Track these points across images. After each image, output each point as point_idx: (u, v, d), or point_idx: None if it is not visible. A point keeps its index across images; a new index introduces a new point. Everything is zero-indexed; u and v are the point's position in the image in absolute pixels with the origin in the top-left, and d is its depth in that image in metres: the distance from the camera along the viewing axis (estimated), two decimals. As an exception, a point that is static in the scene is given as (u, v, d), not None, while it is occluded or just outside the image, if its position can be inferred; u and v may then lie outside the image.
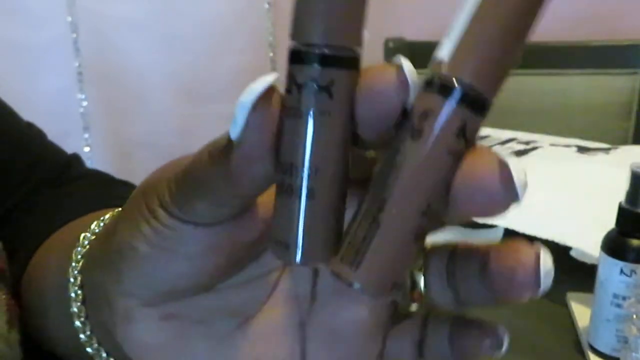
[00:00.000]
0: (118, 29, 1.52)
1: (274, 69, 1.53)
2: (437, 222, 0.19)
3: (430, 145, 0.18)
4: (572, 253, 0.61)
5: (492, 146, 0.82)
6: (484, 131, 0.90)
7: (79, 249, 0.29)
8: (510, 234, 0.67)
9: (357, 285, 0.19)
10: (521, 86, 1.16)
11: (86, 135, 1.58)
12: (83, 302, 0.28)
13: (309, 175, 0.19)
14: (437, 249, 0.22)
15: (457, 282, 0.21)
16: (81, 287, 0.28)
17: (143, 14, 1.51)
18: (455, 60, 0.18)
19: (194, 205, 0.22)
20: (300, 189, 0.19)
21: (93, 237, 0.29)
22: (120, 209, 0.27)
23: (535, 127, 0.94)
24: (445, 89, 0.18)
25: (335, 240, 0.20)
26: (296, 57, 0.19)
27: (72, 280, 0.28)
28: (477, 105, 0.18)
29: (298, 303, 0.25)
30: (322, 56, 0.19)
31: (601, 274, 0.51)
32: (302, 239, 0.19)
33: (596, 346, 0.52)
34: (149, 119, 1.58)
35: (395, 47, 1.15)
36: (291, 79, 0.20)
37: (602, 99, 1.14)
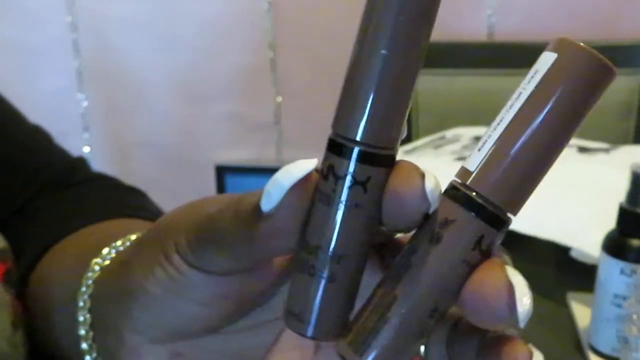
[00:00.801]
0: (118, 28, 1.52)
1: (273, 69, 1.53)
2: (441, 320, 0.20)
3: (447, 253, 0.19)
4: (572, 253, 0.61)
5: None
6: (484, 131, 0.90)
7: (90, 273, 0.29)
8: (510, 234, 0.67)
9: None
10: (521, 86, 1.17)
11: (86, 135, 1.58)
12: (91, 326, 0.28)
13: (331, 260, 0.20)
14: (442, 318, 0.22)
15: (456, 354, 0.21)
16: (89, 311, 0.28)
17: (143, 14, 1.51)
18: (481, 174, 0.19)
19: (211, 257, 0.22)
20: (322, 272, 0.20)
21: (104, 262, 0.29)
22: (134, 236, 0.29)
23: (535, 127, 0.94)
24: (468, 202, 0.19)
25: (347, 319, 0.21)
26: (337, 149, 0.20)
27: (81, 304, 0.29)
28: (497, 221, 0.19)
29: (302, 351, 0.26)
30: (363, 154, 0.19)
31: (601, 274, 0.51)
32: (317, 317, 0.20)
33: (596, 346, 0.52)
34: (148, 119, 1.58)
35: (395, 47, 1.15)
36: (329, 167, 0.20)
37: (602, 98, 1.14)
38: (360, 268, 0.21)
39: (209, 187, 1.58)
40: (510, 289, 0.19)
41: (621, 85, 1.13)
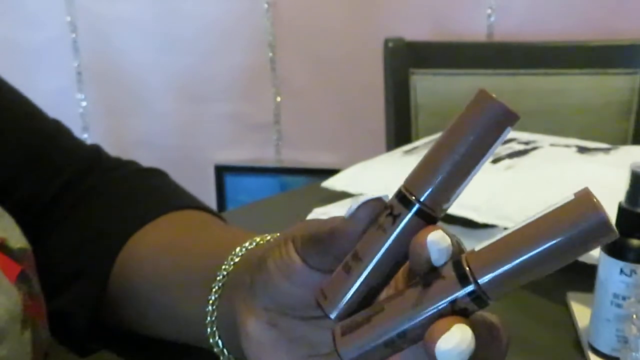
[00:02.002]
0: (117, 29, 1.52)
1: (273, 69, 1.53)
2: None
3: (428, 300, 0.26)
4: (572, 253, 0.61)
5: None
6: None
7: (225, 265, 0.38)
8: (510, 234, 0.67)
9: (339, 354, 0.28)
10: (521, 86, 1.17)
11: (85, 135, 1.58)
12: (217, 300, 0.38)
13: (366, 270, 0.28)
14: None
15: None
16: (219, 297, 0.38)
17: (143, 14, 1.51)
18: (485, 264, 0.25)
19: (310, 251, 0.31)
20: (357, 277, 0.28)
21: (237, 259, 0.38)
22: (258, 238, 0.39)
23: (535, 127, 0.94)
24: (465, 280, 0.25)
25: (352, 305, 0.29)
26: (403, 198, 0.27)
27: (215, 288, 0.38)
28: (481, 302, 0.25)
29: None
30: (418, 209, 0.27)
31: (601, 274, 0.51)
32: (343, 305, 0.28)
33: (596, 346, 0.52)
34: (148, 119, 1.58)
35: (394, 47, 1.15)
36: (390, 207, 0.27)
37: (602, 99, 1.14)
38: (372, 274, 0.28)
39: (209, 186, 1.58)
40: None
41: (621, 85, 1.13)
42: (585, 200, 0.24)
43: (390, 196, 0.28)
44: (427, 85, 1.17)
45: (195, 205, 0.50)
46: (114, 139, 1.58)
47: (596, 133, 1.04)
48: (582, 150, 0.80)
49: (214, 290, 0.38)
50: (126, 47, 1.53)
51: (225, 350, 0.38)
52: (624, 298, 0.49)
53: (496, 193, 0.67)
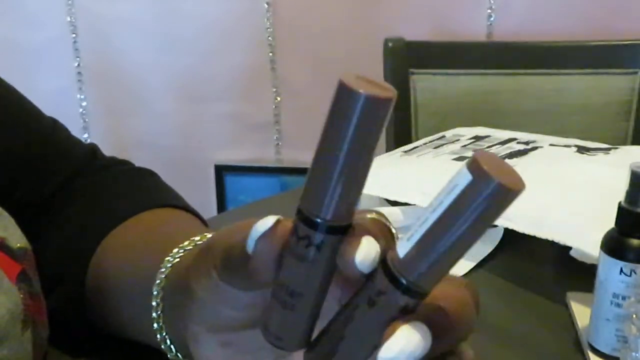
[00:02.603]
0: (117, 29, 1.52)
1: (273, 69, 1.53)
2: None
3: (378, 316, 0.25)
4: (572, 253, 0.61)
5: (492, 146, 0.82)
6: (485, 131, 0.90)
7: (163, 269, 0.36)
8: (510, 234, 0.67)
9: None
10: (521, 86, 1.17)
11: (85, 135, 1.58)
12: (162, 310, 0.36)
13: (294, 296, 0.26)
14: None
15: None
16: (161, 299, 0.36)
17: (143, 14, 1.51)
18: (409, 261, 0.24)
19: (231, 280, 0.29)
20: (305, 312, 0.27)
21: (175, 260, 0.36)
22: (197, 238, 0.37)
23: (535, 127, 0.94)
24: (395, 281, 0.24)
25: (308, 337, 0.28)
26: (305, 220, 0.25)
27: (155, 292, 0.36)
28: (418, 295, 0.25)
29: None
30: (328, 227, 0.25)
31: (601, 273, 0.51)
32: (302, 340, 0.27)
33: (596, 346, 0.52)
34: (148, 119, 1.58)
35: (394, 47, 1.15)
36: (295, 228, 0.26)
37: (602, 99, 1.14)
38: (317, 303, 0.27)
39: (209, 186, 1.58)
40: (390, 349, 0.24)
41: (621, 85, 1.13)
42: (476, 171, 0.22)
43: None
44: (427, 85, 1.17)
45: (173, 203, 0.48)
46: (114, 139, 1.58)
47: (596, 133, 1.04)
48: (582, 150, 0.80)
49: (154, 295, 0.36)
50: (126, 47, 1.53)
51: (179, 355, 0.36)
52: (623, 298, 0.49)
53: (496, 193, 0.67)
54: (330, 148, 0.24)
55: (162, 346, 0.37)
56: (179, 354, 0.37)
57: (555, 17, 1.42)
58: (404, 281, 0.24)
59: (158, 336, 0.36)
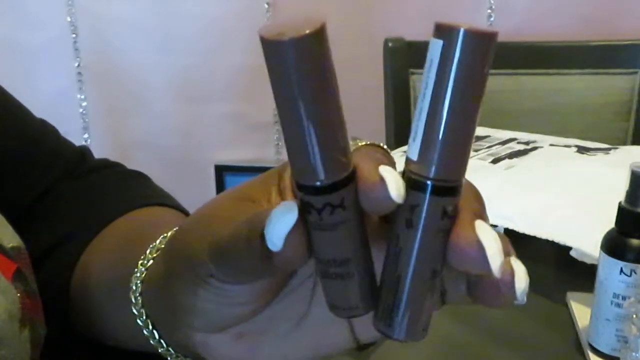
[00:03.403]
0: (117, 29, 1.52)
1: (273, 69, 1.53)
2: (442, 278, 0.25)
3: (421, 232, 0.23)
4: (572, 253, 0.61)
5: (492, 146, 0.82)
6: (485, 131, 0.90)
7: (137, 274, 0.34)
8: (510, 234, 0.67)
9: (397, 339, 0.25)
10: (521, 86, 1.16)
11: (85, 135, 1.58)
12: (147, 316, 0.33)
13: (344, 263, 0.24)
14: None
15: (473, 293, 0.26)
16: (142, 305, 0.33)
17: (143, 14, 1.51)
18: (422, 159, 0.22)
19: (237, 278, 0.27)
20: (344, 274, 0.25)
21: (149, 263, 0.34)
22: (169, 233, 0.34)
23: (535, 127, 0.94)
24: (420, 187, 0.22)
25: (370, 293, 0.25)
26: (309, 190, 0.23)
27: (133, 300, 0.33)
28: (450, 191, 0.23)
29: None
30: (331, 185, 0.23)
31: (601, 273, 0.51)
32: (356, 303, 0.25)
33: (596, 346, 0.52)
34: (148, 119, 1.58)
35: (395, 47, 1.15)
36: (307, 205, 0.23)
37: (602, 99, 1.14)
38: (366, 258, 0.25)
39: (209, 187, 1.58)
40: (479, 241, 0.23)
41: (621, 85, 1.13)
42: (443, 32, 0.21)
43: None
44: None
45: (160, 202, 0.46)
46: (114, 139, 1.58)
47: (596, 133, 1.04)
48: (582, 150, 0.80)
49: (133, 302, 0.34)
50: (126, 47, 1.53)
51: (170, 350, 0.34)
52: (624, 298, 0.49)
53: (496, 193, 0.67)
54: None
55: (152, 341, 0.34)
56: (170, 349, 0.34)
57: (556, 17, 1.42)
58: (428, 182, 0.22)
59: (145, 332, 0.34)
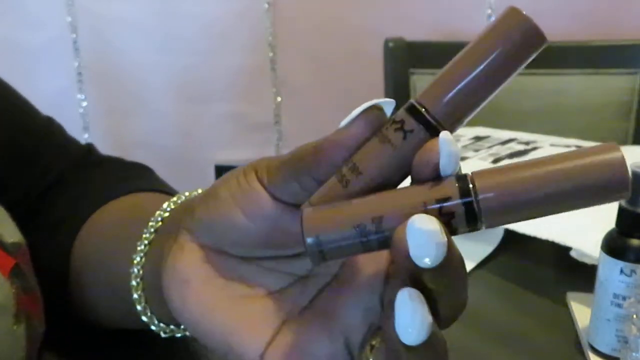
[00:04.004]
0: (117, 29, 1.52)
1: (273, 69, 1.53)
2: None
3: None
4: (572, 253, 0.61)
5: (492, 146, 0.82)
6: (485, 131, 0.90)
7: (152, 222, 0.36)
8: (510, 234, 0.67)
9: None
10: (521, 86, 1.16)
11: (85, 136, 1.58)
12: (142, 267, 0.35)
13: (356, 173, 0.26)
14: None
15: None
16: (146, 254, 0.35)
17: (143, 14, 1.51)
18: (491, 183, 0.24)
19: (283, 177, 0.27)
20: (345, 181, 0.26)
21: (165, 214, 0.36)
22: (187, 193, 0.36)
23: (535, 127, 0.94)
24: (465, 192, 0.24)
25: None
26: (415, 113, 0.25)
27: (141, 247, 0.35)
28: (472, 221, 0.24)
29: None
30: (417, 111, 0.25)
31: (601, 274, 0.51)
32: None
33: (596, 346, 0.52)
34: (148, 119, 1.58)
35: (395, 47, 1.15)
36: (402, 121, 0.25)
37: (602, 99, 1.14)
38: (369, 189, 0.26)
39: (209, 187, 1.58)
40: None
41: (621, 85, 1.13)
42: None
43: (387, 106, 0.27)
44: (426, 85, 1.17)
45: (158, 188, 0.47)
46: (114, 139, 1.58)
47: (596, 133, 1.04)
48: (582, 150, 0.80)
49: (139, 249, 0.35)
50: (126, 47, 1.53)
51: (154, 318, 0.35)
52: (624, 298, 0.49)
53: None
54: (477, 57, 0.24)
55: (143, 318, 0.35)
56: (161, 324, 0.35)
57: (555, 17, 1.42)
58: (470, 198, 0.24)
59: (139, 307, 0.35)
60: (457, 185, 0.24)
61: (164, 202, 0.37)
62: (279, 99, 1.56)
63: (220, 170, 1.58)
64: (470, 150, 0.79)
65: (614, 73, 1.13)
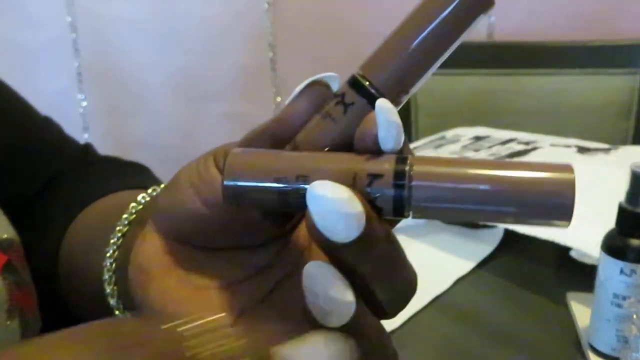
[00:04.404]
0: (117, 29, 1.52)
1: (273, 69, 1.53)
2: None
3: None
4: (572, 253, 0.61)
5: (492, 146, 0.82)
6: (485, 131, 0.90)
7: (125, 215, 0.35)
8: (510, 234, 0.67)
9: None
10: (521, 86, 1.16)
11: (85, 136, 1.58)
12: (115, 266, 0.34)
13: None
14: None
15: None
16: (118, 248, 0.34)
17: (142, 14, 1.51)
18: (427, 173, 0.23)
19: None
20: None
21: (139, 207, 0.35)
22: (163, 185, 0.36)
23: (535, 127, 0.94)
24: (400, 174, 0.23)
25: None
26: (356, 84, 0.24)
27: (113, 240, 0.34)
28: (398, 207, 0.23)
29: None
30: (357, 82, 0.24)
31: (601, 274, 0.51)
32: None
33: (596, 346, 0.52)
34: (148, 119, 1.58)
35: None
36: (342, 94, 0.25)
37: (602, 98, 1.14)
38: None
39: (209, 187, 1.58)
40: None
41: (621, 85, 1.13)
42: None
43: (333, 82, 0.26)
44: (427, 86, 1.16)
45: (143, 185, 0.46)
46: (114, 139, 1.58)
47: (596, 133, 1.04)
48: (582, 150, 0.80)
49: (112, 242, 0.34)
50: (126, 47, 1.53)
51: (127, 313, 0.34)
52: (624, 298, 0.49)
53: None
54: (419, 24, 0.23)
55: (117, 313, 0.34)
56: (122, 305, 0.34)
57: (555, 17, 1.42)
58: (403, 182, 0.22)
59: (112, 301, 0.34)
60: (395, 164, 0.22)
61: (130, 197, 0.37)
62: (279, 99, 1.56)
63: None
64: (471, 150, 0.79)
65: (614, 73, 1.13)
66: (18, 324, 0.36)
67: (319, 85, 0.26)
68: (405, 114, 1.17)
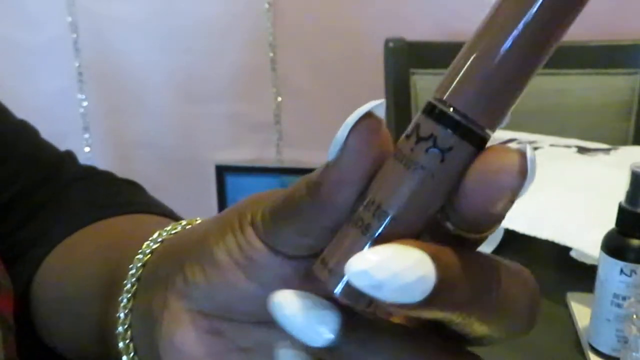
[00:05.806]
0: (118, 29, 1.52)
1: (273, 69, 1.53)
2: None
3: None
4: (572, 253, 0.61)
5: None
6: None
7: (140, 256, 0.29)
8: (510, 234, 0.67)
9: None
10: (521, 86, 1.17)
11: (86, 136, 1.58)
12: (130, 311, 0.29)
13: (388, 223, 0.19)
14: None
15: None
16: (134, 295, 0.29)
17: (143, 14, 1.51)
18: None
19: (282, 230, 0.22)
20: (374, 232, 0.19)
21: (155, 246, 0.29)
22: (184, 222, 0.30)
23: (535, 127, 0.94)
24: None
25: None
26: (429, 110, 0.19)
27: (128, 286, 0.28)
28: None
29: None
30: (454, 121, 0.18)
31: (601, 274, 0.51)
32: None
33: (596, 346, 0.52)
34: (148, 119, 1.58)
35: (395, 47, 1.15)
36: (415, 126, 0.19)
37: (602, 99, 1.14)
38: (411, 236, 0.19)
39: (209, 187, 1.58)
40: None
41: (621, 85, 1.13)
42: None
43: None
44: (427, 85, 1.17)
45: (148, 210, 0.41)
46: (115, 139, 1.58)
47: (596, 133, 1.04)
48: (582, 150, 0.80)
49: (125, 288, 0.28)
50: (127, 47, 1.53)
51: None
52: (624, 298, 0.49)
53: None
54: (508, 17, 0.18)
55: (125, 358, 0.29)
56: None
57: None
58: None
59: (120, 344, 0.28)
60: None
61: (152, 228, 0.31)
62: (279, 99, 1.56)
63: (220, 170, 1.58)
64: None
65: (614, 73, 1.13)
66: (0, 331, 0.35)
67: (371, 119, 0.19)
68: (405, 114, 1.17)
